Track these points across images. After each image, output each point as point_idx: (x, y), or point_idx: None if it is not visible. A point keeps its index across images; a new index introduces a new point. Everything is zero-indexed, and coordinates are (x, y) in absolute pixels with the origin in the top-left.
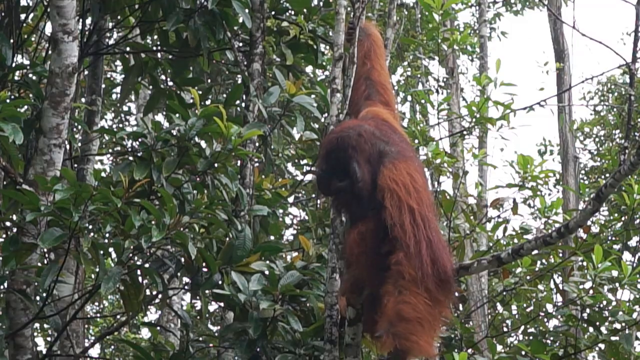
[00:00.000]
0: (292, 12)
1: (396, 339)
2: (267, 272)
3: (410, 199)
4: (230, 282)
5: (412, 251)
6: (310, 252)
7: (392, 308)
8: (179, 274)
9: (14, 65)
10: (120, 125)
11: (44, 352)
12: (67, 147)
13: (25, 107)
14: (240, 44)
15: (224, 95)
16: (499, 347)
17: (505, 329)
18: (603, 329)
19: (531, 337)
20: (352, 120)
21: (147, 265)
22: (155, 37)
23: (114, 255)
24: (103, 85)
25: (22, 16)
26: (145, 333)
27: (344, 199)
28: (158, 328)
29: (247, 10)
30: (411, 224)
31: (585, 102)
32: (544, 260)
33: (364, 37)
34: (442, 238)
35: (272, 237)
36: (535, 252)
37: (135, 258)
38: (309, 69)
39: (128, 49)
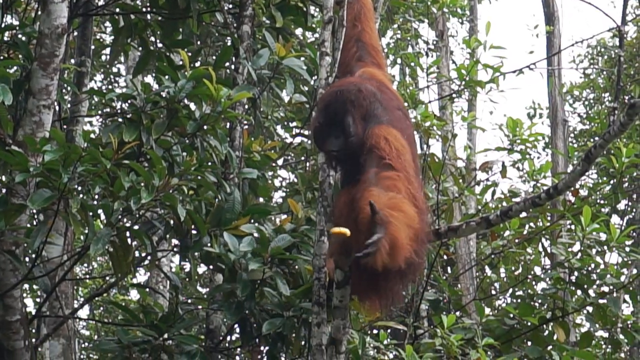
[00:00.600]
0: None
1: (387, 220)
2: (256, 235)
3: (406, 152)
4: (220, 244)
5: (408, 177)
6: (299, 215)
7: (388, 199)
8: (168, 235)
9: (3, 25)
10: (110, 87)
11: (33, 312)
12: (57, 108)
13: (15, 67)
14: (230, 6)
15: (214, 57)
16: (487, 310)
17: (493, 292)
18: (591, 292)
19: (519, 300)
20: (354, 77)
21: (136, 227)
22: None
23: (103, 216)
24: (92, 47)
25: None
26: (134, 295)
27: (338, 155)
28: (147, 290)
29: None
30: (404, 163)
31: (575, 65)
32: (532, 224)
33: None
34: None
35: (261, 200)
36: (524, 214)
37: (125, 220)
38: (298, 31)
39: (117, 10)
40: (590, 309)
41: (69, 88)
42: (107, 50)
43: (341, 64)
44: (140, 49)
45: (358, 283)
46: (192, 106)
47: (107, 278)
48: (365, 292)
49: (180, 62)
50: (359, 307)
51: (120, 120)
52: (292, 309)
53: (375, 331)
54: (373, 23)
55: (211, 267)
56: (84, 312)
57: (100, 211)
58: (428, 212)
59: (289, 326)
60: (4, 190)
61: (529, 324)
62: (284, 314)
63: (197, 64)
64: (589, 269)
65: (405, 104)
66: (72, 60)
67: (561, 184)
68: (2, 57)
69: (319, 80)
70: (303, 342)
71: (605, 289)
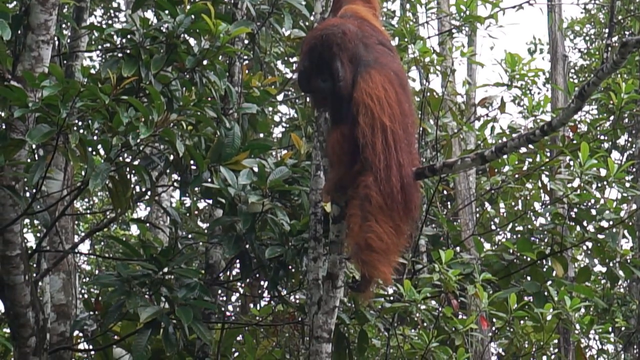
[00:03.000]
0: None
1: (364, 266)
2: (256, 170)
3: (384, 116)
4: (220, 179)
5: (382, 176)
6: (301, 150)
7: (359, 235)
8: (167, 171)
9: None
10: (109, 22)
11: (34, 247)
12: (56, 43)
13: (14, 3)
14: None
15: None
16: (486, 245)
17: (492, 227)
18: (590, 227)
19: (518, 235)
20: (335, 18)
21: (135, 162)
22: None
23: (102, 152)
24: None
25: None
26: (134, 230)
27: (325, 98)
28: (147, 225)
29: None
30: (383, 144)
31: (576, 0)
32: (531, 159)
33: None
34: (414, 155)
35: (260, 135)
36: (524, 150)
37: (124, 155)
38: None
39: None
40: (589, 244)
41: (68, 23)
42: None
43: None
44: None
45: None
46: (192, 41)
47: (108, 213)
48: None
49: None
50: None
51: (119, 55)
52: (293, 239)
53: None
54: None
55: (211, 202)
56: (84, 247)
57: (99, 146)
58: (417, 162)
59: (290, 255)
60: (3, 126)
61: (528, 259)
62: (284, 245)
63: None
64: (588, 204)
65: (405, 40)
66: None
67: (555, 121)
68: None
69: (314, 15)
70: (303, 275)
71: (604, 224)
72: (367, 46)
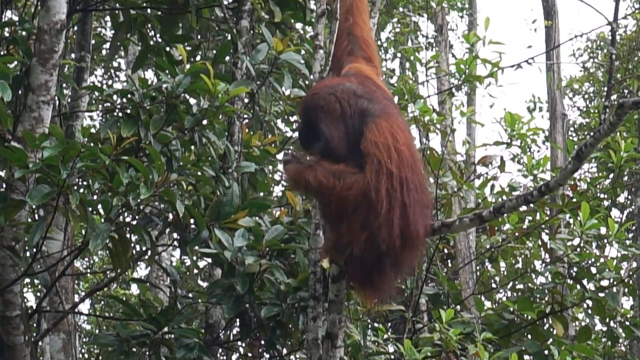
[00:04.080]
0: None
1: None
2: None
3: (391, 163)
4: (217, 240)
5: (383, 219)
6: (297, 208)
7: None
8: (167, 230)
9: (3, 21)
10: (110, 82)
11: (34, 307)
12: (56, 103)
13: (14, 63)
14: (229, 1)
15: (214, 52)
16: (487, 304)
17: (493, 286)
18: (590, 286)
19: (519, 294)
20: (334, 77)
21: (135, 222)
22: None
23: (102, 212)
24: (93, 42)
25: None
26: (135, 289)
27: (322, 156)
28: (147, 284)
29: None
30: (388, 189)
31: (575, 59)
32: (531, 217)
33: None
34: (425, 196)
35: (260, 194)
36: (524, 208)
37: (124, 215)
38: (298, 25)
39: (117, 5)
40: (589, 303)
41: (68, 83)
42: (108, 45)
43: (334, 58)
44: (139, 44)
45: (353, 277)
46: (192, 101)
47: (108, 273)
48: (360, 286)
49: (180, 57)
50: (358, 295)
51: (119, 115)
52: (290, 297)
53: (375, 324)
54: (366, 15)
55: (210, 260)
56: (84, 307)
57: (99, 206)
58: (427, 205)
59: (287, 314)
60: (3, 186)
61: (528, 318)
62: (282, 304)
63: (197, 59)
64: (588, 262)
65: (405, 98)
66: (72, 55)
67: (553, 182)
68: (1, 53)
69: (313, 74)
70: (301, 334)
71: (605, 283)
72: (371, 100)
